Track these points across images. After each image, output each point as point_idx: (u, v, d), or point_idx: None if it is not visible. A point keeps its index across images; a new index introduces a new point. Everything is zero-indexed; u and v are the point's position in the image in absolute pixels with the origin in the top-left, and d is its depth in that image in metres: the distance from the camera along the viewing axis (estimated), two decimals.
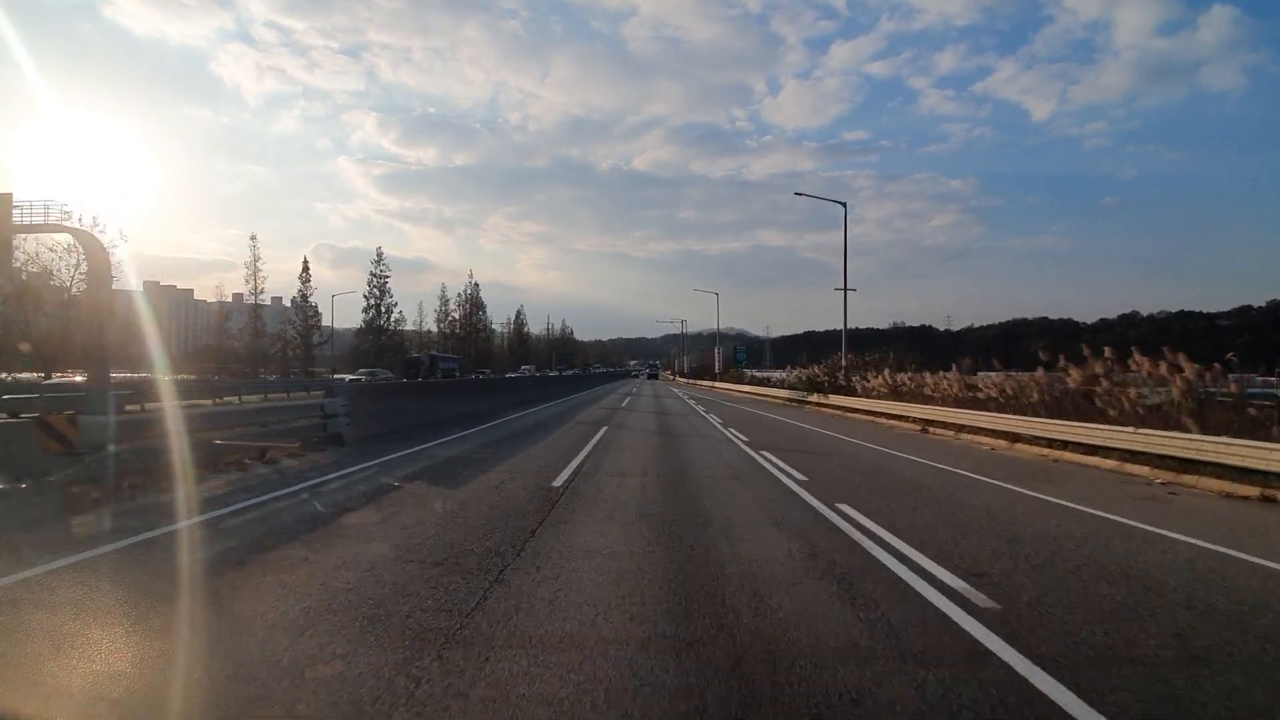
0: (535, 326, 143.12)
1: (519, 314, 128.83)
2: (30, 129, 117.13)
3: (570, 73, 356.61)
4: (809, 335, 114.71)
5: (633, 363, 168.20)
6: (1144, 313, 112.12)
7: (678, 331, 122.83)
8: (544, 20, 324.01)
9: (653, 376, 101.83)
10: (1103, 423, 11.76)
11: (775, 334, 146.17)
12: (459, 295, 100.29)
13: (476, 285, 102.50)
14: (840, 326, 30.46)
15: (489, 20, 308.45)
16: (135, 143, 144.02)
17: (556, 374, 79.89)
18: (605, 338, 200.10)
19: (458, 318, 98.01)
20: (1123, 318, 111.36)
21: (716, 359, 68.59)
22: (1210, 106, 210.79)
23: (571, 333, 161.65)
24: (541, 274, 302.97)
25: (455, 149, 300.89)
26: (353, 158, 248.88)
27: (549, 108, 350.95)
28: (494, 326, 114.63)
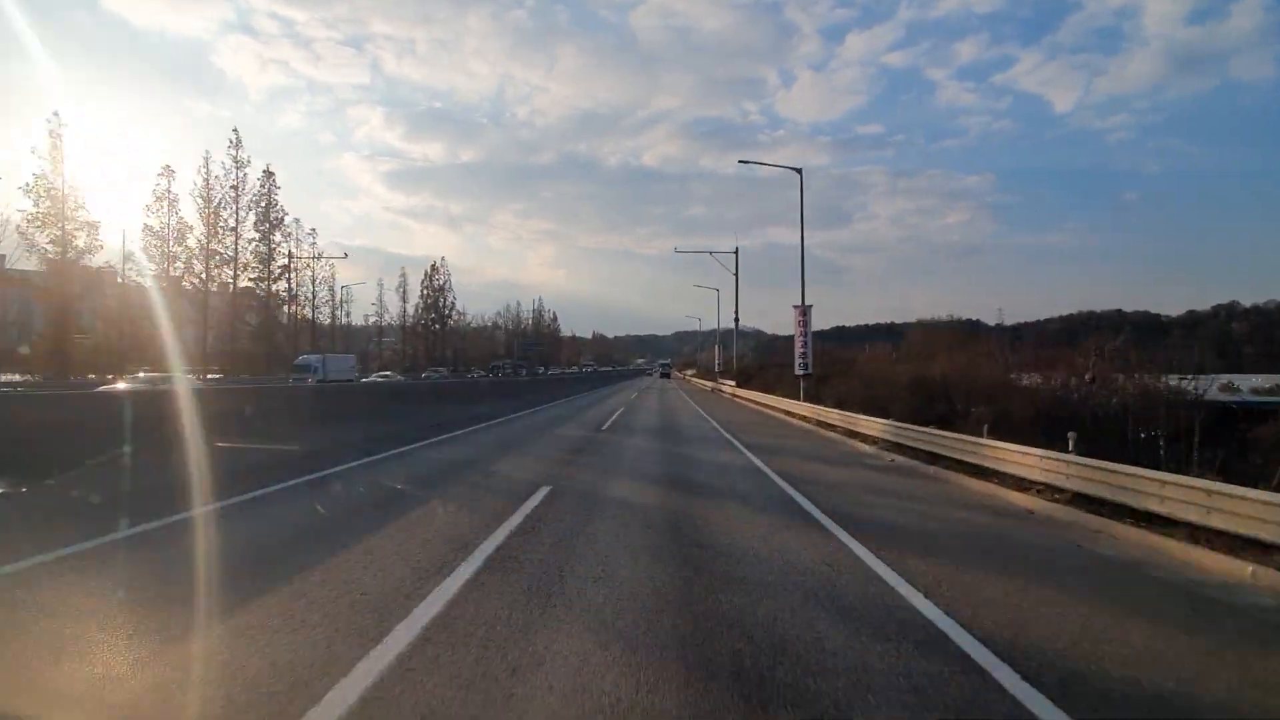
0: (506, 316, 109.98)
1: (428, 278, 79.75)
2: (30, 122, 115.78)
3: (577, 64, 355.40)
4: (839, 330, 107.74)
5: (639, 361, 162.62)
6: (1245, 303, 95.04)
7: (690, 329, 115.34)
8: (550, 9, 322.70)
9: (665, 375, 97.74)
10: None
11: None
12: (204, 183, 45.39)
13: (271, 176, 49.46)
14: (871, 321, 25.84)
15: (494, 9, 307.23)
16: (138, 137, 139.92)
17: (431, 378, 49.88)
18: (611, 334, 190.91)
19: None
20: (1219, 308, 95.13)
21: None
22: (1241, 97, 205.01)
23: (555, 320, 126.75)
24: (550, 272, 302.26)
25: (462, 144, 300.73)
26: (359, 154, 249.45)
27: (555, 101, 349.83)
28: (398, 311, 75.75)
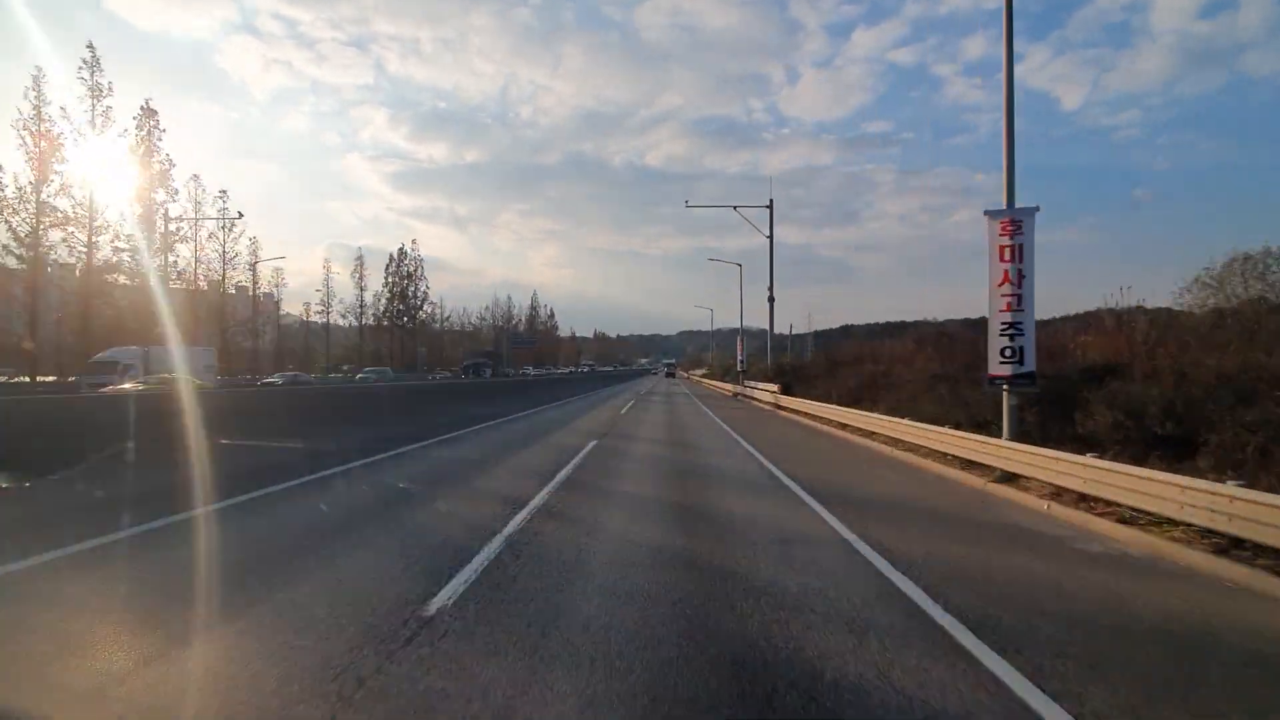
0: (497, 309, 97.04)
1: (394, 263, 67.55)
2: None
3: (582, 63, 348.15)
4: (846, 329, 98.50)
5: (644, 360, 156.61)
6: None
7: (695, 329, 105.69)
8: (554, 7, 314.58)
9: (670, 375, 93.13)
10: None
11: (812, 329, 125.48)
12: None
13: (152, 114, 39.12)
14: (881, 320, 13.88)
15: (498, 8, 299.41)
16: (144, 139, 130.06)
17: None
18: (617, 334, 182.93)
19: None
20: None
21: None
22: (1252, 93, 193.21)
23: (552, 317, 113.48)
24: (555, 272, 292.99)
25: (466, 145, 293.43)
26: (364, 155, 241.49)
27: (561, 100, 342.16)
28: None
